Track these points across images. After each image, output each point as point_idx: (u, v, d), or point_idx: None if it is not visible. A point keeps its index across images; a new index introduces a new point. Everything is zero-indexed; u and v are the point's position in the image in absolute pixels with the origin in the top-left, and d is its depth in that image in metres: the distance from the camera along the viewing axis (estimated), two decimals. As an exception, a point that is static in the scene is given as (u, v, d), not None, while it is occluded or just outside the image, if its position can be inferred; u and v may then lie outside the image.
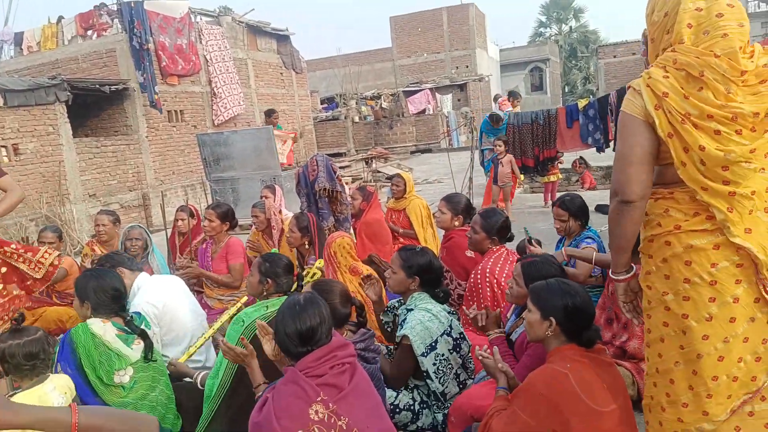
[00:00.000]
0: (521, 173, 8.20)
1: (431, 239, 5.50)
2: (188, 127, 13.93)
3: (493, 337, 2.60)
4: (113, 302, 2.78)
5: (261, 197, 5.24)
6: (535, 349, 2.38)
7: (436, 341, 2.62)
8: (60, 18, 13.56)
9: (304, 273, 3.50)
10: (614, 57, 30.56)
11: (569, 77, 46.61)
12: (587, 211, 3.61)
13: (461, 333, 2.77)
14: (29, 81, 10.02)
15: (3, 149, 9.38)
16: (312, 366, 1.86)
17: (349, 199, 5.15)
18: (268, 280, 2.90)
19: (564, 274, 2.70)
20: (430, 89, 25.96)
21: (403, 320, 2.70)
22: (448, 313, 2.78)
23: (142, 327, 2.87)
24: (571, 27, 46.92)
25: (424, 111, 25.04)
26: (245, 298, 3.46)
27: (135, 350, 2.75)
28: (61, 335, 2.78)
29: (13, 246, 3.58)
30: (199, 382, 2.84)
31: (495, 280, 3.21)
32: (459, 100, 27.19)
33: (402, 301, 2.89)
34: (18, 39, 14.06)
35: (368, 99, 25.95)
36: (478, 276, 3.33)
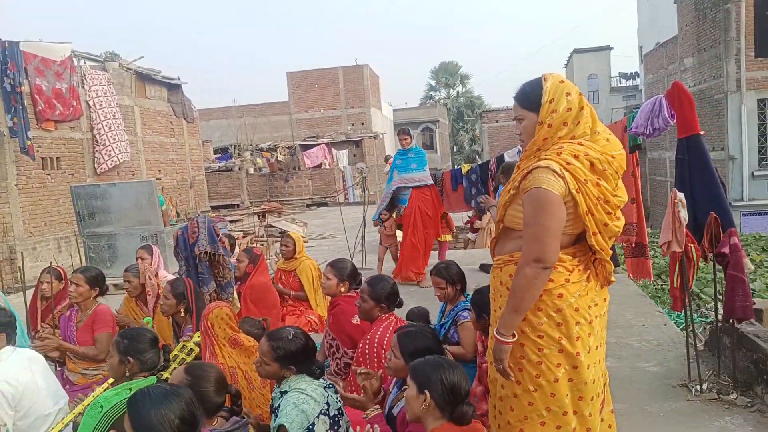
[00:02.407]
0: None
1: (322, 302, 5.42)
2: (65, 175, 12.99)
3: (372, 416, 2.54)
4: None
5: (136, 258, 4.91)
6: (413, 427, 2.36)
7: (313, 424, 2.51)
8: None
9: (179, 347, 3.27)
10: (496, 121, 32.96)
11: (457, 138, 49.43)
12: (464, 276, 3.72)
13: (339, 409, 2.69)
14: None
15: None
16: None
17: (234, 261, 4.97)
18: (129, 359, 2.68)
19: (439, 343, 2.73)
20: (327, 144, 26.32)
21: (277, 407, 2.57)
22: (325, 387, 2.69)
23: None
24: (458, 92, 50.16)
25: (320, 165, 25.25)
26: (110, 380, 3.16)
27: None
28: None
29: None
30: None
31: (383, 351, 3.18)
32: (355, 155, 27.77)
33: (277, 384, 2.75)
34: None
35: (264, 151, 25.77)
36: (366, 346, 3.29)
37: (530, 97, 2.22)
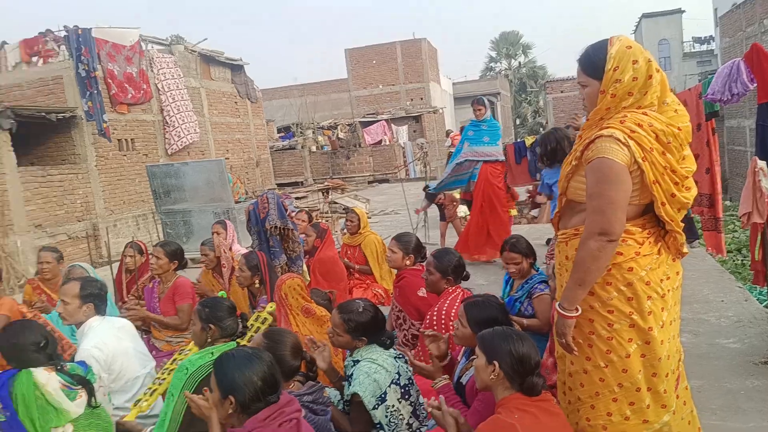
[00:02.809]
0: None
1: (387, 276, 5.51)
2: (139, 155, 13.65)
3: (440, 386, 2.60)
4: (37, 355, 2.67)
5: (212, 233, 5.15)
6: (484, 394, 2.40)
7: (385, 393, 2.60)
8: (3, 43, 13.18)
9: (254, 317, 3.44)
10: (561, 92, 31.84)
11: (519, 110, 48.18)
12: (533, 249, 3.70)
13: (410, 378, 2.76)
14: (-31, 108, 9.67)
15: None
16: (261, 425, 1.82)
17: (302, 236, 5.12)
18: (211, 326, 2.84)
19: (506, 314, 2.74)
20: (386, 120, 26.32)
21: (350, 375, 2.67)
22: (395, 358, 2.77)
23: (87, 377, 2.77)
24: (520, 62, 48.67)
25: (380, 142, 25.32)
26: (191, 345, 3.37)
27: (77, 405, 2.64)
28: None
29: None
30: (147, 437, 2.74)
31: (451, 323, 3.23)
32: (415, 131, 27.65)
33: (350, 353, 2.86)
34: (-42, 65, 13.55)
35: (325, 129, 26.07)
36: (434, 317, 3.34)
37: (594, 62, 2.10)
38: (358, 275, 5.67)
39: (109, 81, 12.70)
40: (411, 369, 2.86)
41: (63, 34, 12.38)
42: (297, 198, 14.84)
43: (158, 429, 2.65)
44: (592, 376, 2.17)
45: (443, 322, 3.32)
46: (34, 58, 12.88)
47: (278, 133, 27.09)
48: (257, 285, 4.22)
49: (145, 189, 13.20)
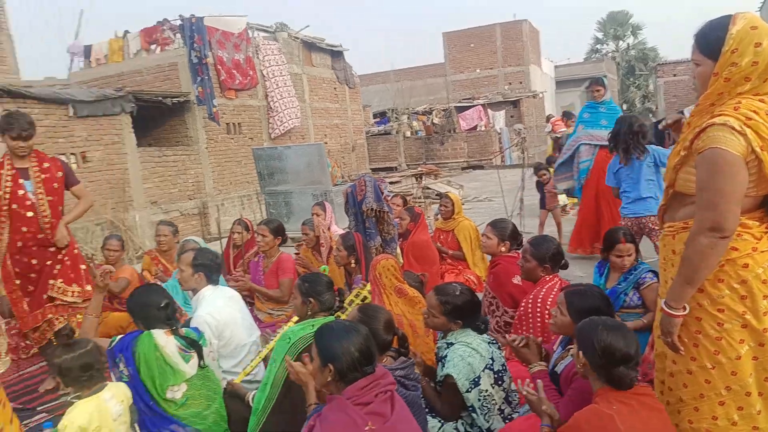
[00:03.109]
0: (572, 196, 8.06)
1: (480, 262, 5.49)
2: (245, 139, 14.38)
3: (536, 371, 2.58)
4: (159, 314, 2.94)
5: (312, 214, 5.38)
6: (580, 383, 2.36)
7: (479, 377, 2.63)
8: (126, 32, 14.28)
9: (354, 293, 3.56)
10: (674, 75, 29.62)
11: (627, 95, 45.43)
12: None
13: (503, 365, 2.76)
14: (97, 92, 10.59)
15: (72, 157, 9.92)
16: (358, 394, 1.91)
17: (396, 220, 5.21)
18: (311, 299, 2.98)
19: (609, 304, 2.65)
20: (483, 105, 25.86)
21: (443, 356, 2.71)
22: (489, 343, 2.77)
23: (199, 341, 3.02)
24: (628, 44, 45.82)
25: (476, 127, 24.96)
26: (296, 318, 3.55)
27: (191, 366, 2.88)
28: (116, 339, 2.93)
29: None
30: (251, 400, 2.94)
31: (546, 311, 3.18)
32: (512, 116, 26.96)
33: (443, 336, 2.90)
34: (87, 52, 14.86)
35: (420, 114, 26.07)
36: (529, 305, 3.31)
37: (710, 40, 1.95)
38: (451, 260, 5.69)
39: (219, 67, 13.44)
40: (504, 355, 2.86)
41: (178, 23, 13.22)
42: (391, 183, 15.03)
43: (260, 392, 2.83)
44: (697, 377, 2.05)
45: (538, 310, 3.28)
46: (153, 46, 13.87)
47: (374, 118, 27.46)
48: (353, 264, 4.37)
49: (249, 171, 13.91)
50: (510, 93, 27.93)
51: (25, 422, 3.66)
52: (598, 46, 46.62)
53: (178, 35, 13.27)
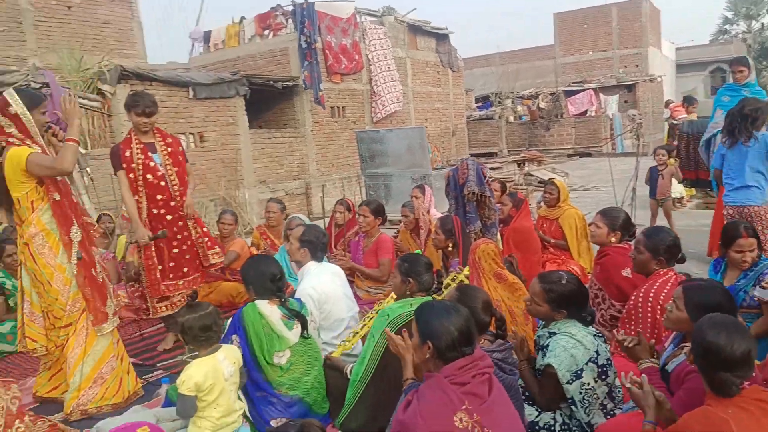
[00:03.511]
0: (691, 187, 7.49)
1: (585, 252, 5.27)
2: (348, 122, 14.69)
3: (645, 367, 2.44)
4: (271, 285, 3.09)
5: (411, 197, 5.41)
6: (693, 383, 2.20)
7: (581, 369, 2.52)
8: (242, 18, 15.02)
9: (451, 277, 3.56)
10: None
11: (760, 80, 41.16)
12: None
13: (608, 359, 2.64)
14: (214, 76, 11.23)
15: (191, 136, 10.65)
16: (456, 374, 1.91)
17: (497, 205, 5.11)
18: (410, 279, 3.01)
19: (732, 301, 2.44)
20: (594, 89, 24.57)
21: (545, 345, 2.63)
22: (594, 336, 2.65)
23: (301, 312, 3.16)
24: (762, 24, 41.38)
25: (585, 112, 23.80)
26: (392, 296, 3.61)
27: (293, 334, 3.03)
28: (234, 312, 3.14)
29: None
30: (348, 372, 3.04)
31: (659, 307, 3.00)
32: (626, 101, 25.40)
33: (545, 324, 2.81)
34: (206, 37, 15.82)
35: (525, 98, 25.28)
36: (639, 299, 3.13)
37: None
38: (553, 250, 5.50)
39: (327, 52, 13.78)
40: (609, 350, 2.73)
41: (290, 8, 13.69)
42: (491, 168, 14.74)
43: (358, 366, 2.91)
44: None
45: (650, 305, 3.09)
46: (266, 32, 14.49)
47: (476, 102, 26.98)
48: (450, 248, 4.35)
49: (351, 153, 14.22)
50: (625, 76, 26.29)
51: (144, 377, 4.03)
52: (727, 27, 42.58)
53: (290, 21, 13.75)
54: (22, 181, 3.32)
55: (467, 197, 4.57)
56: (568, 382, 2.53)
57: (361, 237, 4.96)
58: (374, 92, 15.34)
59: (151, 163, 4.21)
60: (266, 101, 13.30)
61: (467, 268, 3.61)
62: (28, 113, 3.32)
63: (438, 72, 18.63)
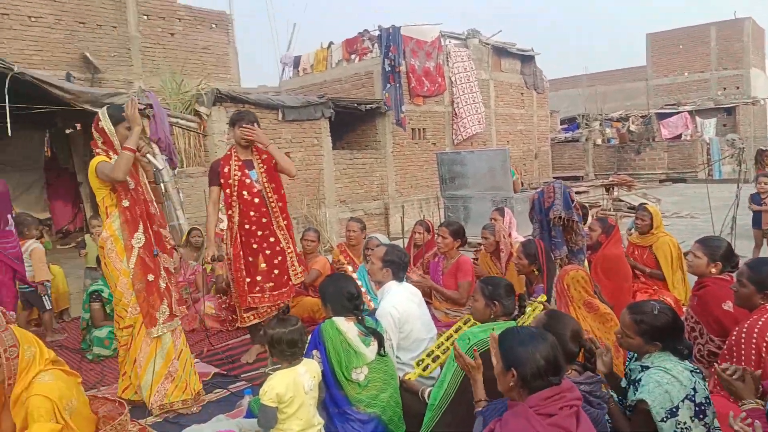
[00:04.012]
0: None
1: (680, 283, 4.95)
2: (428, 144, 14.74)
3: (749, 408, 2.22)
4: (348, 303, 3.13)
5: (490, 219, 5.31)
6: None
7: (677, 407, 2.34)
8: (330, 43, 15.54)
9: (535, 305, 3.43)
10: None
11: None
12: None
13: (707, 397, 2.43)
14: (302, 99, 11.65)
15: (278, 156, 11.04)
16: (542, 404, 1.83)
17: (586, 229, 4.91)
18: (495, 303, 2.94)
19: None
20: (689, 112, 23.29)
21: (637, 379, 2.47)
22: (691, 372, 2.46)
23: (377, 330, 3.16)
24: None
25: (679, 136, 22.58)
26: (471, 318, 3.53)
27: (370, 351, 3.03)
28: (314, 327, 3.19)
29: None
30: (426, 396, 2.99)
31: (764, 344, 2.75)
32: (725, 125, 23.88)
33: (637, 357, 2.64)
34: (296, 62, 16.49)
35: (614, 121, 24.35)
36: (743, 335, 2.88)
37: None
38: (645, 279, 5.20)
39: (410, 75, 13.96)
40: (708, 387, 2.52)
41: (377, 33, 14.02)
42: (577, 192, 14.25)
43: (437, 390, 2.86)
44: None
45: (754, 342, 2.84)
46: (353, 56, 14.90)
47: (561, 124, 26.30)
48: (535, 273, 4.21)
49: (430, 175, 14.23)
50: (724, 99, 24.76)
51: (228, 387, 4.16)
52: None
53: (376, 45, 14.08)
54: (98, 187, 3.66)
55: (553, 221, 4.42)
56: (662, 420, 2.36)
57: (440, 258, 4.92)
58: (456, 114, 15.32)
59: (247, 180, 4.38)
60: (349, 123, 13.61)
61: (543, 296, 3.47)
62: (112, 128, 3.68)
63: (522, 93, 18.36)
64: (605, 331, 3.19)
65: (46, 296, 5.42)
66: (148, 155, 3.84)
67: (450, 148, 14.96)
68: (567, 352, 2.39)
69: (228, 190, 4.39)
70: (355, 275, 4.48)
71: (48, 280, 5.45)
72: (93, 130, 3.74)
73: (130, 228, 3.66)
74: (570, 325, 2.52)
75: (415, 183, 14.39)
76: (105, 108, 3.79)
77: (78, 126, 9.95)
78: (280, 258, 4.51)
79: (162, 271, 3.83)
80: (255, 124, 4.43)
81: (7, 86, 5.69)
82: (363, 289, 4.47)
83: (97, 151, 3.73)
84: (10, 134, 6.02)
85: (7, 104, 5.77)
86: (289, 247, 4.55)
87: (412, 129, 14.24)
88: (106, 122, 3.67)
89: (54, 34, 10.93)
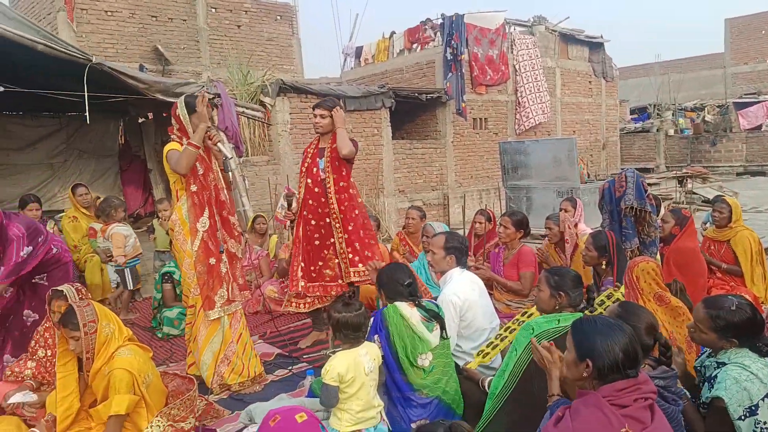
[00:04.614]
0: None
1: (760, 280, 4.66)
2: (490, 134, 14.48)
3: None
4: (402, 289, 3.13)
5: (560, 209, 5.15)
6: None
7: (756, 405, 2.20)
8: (392, 33, 15.50)
9: (604, 294, 3.30)
10: None
11: None
12: None
13: (789, 396, 2.27)
14: (363, 89, 11.68)
15: (338, 147, 11.13)
16: (615, 395, 1.75)
17: (659, 221, 4.68)
18: (561, 294, 2.85)
19: None
20: (771, 101, 21.82)
21: (712, 376, 2.33)
22: (773, 369, 2.30)
23: (439, 314, 3.13)
24: None
25: (759, 127, 21.21)
26: (533, 309, 3.44)
27: (434, 336, 3.01)
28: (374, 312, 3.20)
29: None
30: (486, 386, 2.94)
31: None
32: (811, 114, 22.21)
33: (711, 353, 2.49)
34: (357, 52, 16.55)
35: (688, 110, 23.14)
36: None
37: None
38: (721, 275, 4.92)
39: (472, 63, 13.72)
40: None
41: (439, 21, 13.85)
42: (648, 185, 13.66)
43: (498, 379, 2.80)
44: None
45: None
46: (414, 45, 14.80)
47: (631, 114, 25.22)
48: (603, 266, 4.05)
49: (491, 165, 13.98)
50: (811, 86, 23.05)
51: (289, 368, 4.24)
52: None
53: (438, 34, 13.91)
54: (170, 172, 3.82)
55: (624, 212, 4.23)
56: (740, 418, 2.24)
57: (501, 249, 4.82)
58: (519, 103, 14.97)
59: (315, 169, 4.39)
60: (410, 112, 13.55)
61: (623, 286, 3.33)
62: (187, 117, 3.82)
63: (590, 82, 17.72)
64: (676, 326, 3.04)
65: (129, 276, 5.74)
66: (219, 144, 3.92)
67: (512, 137, 14.64)
68: (641, 346, 2.28)
69: (300, 176, 4.48)
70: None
71: (133, 257, 5.78)
72: (171, 116, 3.92)
73: (196, 212, 3.77)
74: (645, 317, 2.41)
75: (475, 173, 14.19)
76: (183, 97, 3.94)
77: (150, 115, 10.37)
78: (329, 251, 4.41)
79: (224, 256, 3.90)
80: (336, 109, 4.38)
81: (86, 76, 5.97)
82: (421, 279, 4.44)
83: (172, 137, 3.90)
84: (88, 122, 6.33)
85: (86, 93, 6.06)
86: (342, 241, 4.36)
87: (474, 118, 14.02)
88: (182, 110, 3.83)
89: (128, 27, 11.44)
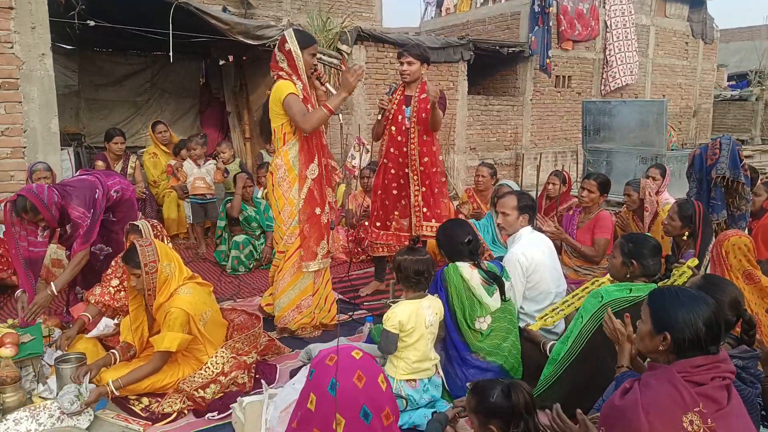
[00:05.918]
0: None
1: None
2: (572, 93, 13.80)
3: None
4: (461, 247, 3.07)
5: (647, 176, 4.86)
6: None
7: None
8: (480, -18, 14.85)
9: (689, 263, 3.09)
10: None
11: None
12: None
13: None
14: (442, 40, 11.32)
15: (414, 98, 10.94)
16: (691, 371, 1.63)
17: (751, 195, 4.33)
18: (633, 262, 2.72)
19: None
20: None
21: None
22: None
23: (500, 276, 3.05)
24: None
25: None
26: (604, 279, 3.29)
27: (494, 300, 2.94)
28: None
29: None
30: (547, 350, 2.87)
31: None
32: None
33: None
34: (439, 1, 16.00)
35: (795, 79, 21.08)
36: None
37: None
38: (818, 257, 4.52)
39: (561, 17, 12.98)
40: None
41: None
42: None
43: (561, 344, 2.72)
44: None
45: None
46: (499, -5, 14.14)
47: (728, 80, 23.29)
48: (685, 237, 3.80)
49: (570, 127, 13.37)
50: None
51: (349, 313, 4.32)
52: None
53: (529, -18, 13.20)
54: (279, 113, 3.60)
55: (715, 181, 3.93)
56: None
57: (576, 211, 4.61)
58: (607, 62, 14.12)
59: (400, 117, 4.24)
60: (488, 67, 13.05)
61: (694, 259, 3.11)
62: (299, 51, 3.54)
63: (686, 43, 16.42)
64: (762, 306, 2.82)
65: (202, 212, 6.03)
66: (327, 84, 3.75)
67: (597, 98, 13.89)
68: (723, 321, 2.13)
69: (386, 123, 4.33)
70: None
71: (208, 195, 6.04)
72: (277, 51, 3.62)
73: (306, 158, 3.62)
74: (730, 291, 2.24)
75: (552, 134, 13.63)
76: (291, 29, 3.66)
77: (230, 58, 10.53)
78: (404, 202, 4.36)
79: (327, 207, 3.82)
80: (420, 63, 4.15)
81: (171, 15, 6.10)
82: (483, 239, 4.34)
83: (281, 74, 3.59)
84: (172, 61, 6.50)
85: (171, 32, 6.20)
86: (418, 194, 4.27)
87: (556, 76, 13.36)
88: (293, 44, 3.52)
89: (213, -31, 11.52)
